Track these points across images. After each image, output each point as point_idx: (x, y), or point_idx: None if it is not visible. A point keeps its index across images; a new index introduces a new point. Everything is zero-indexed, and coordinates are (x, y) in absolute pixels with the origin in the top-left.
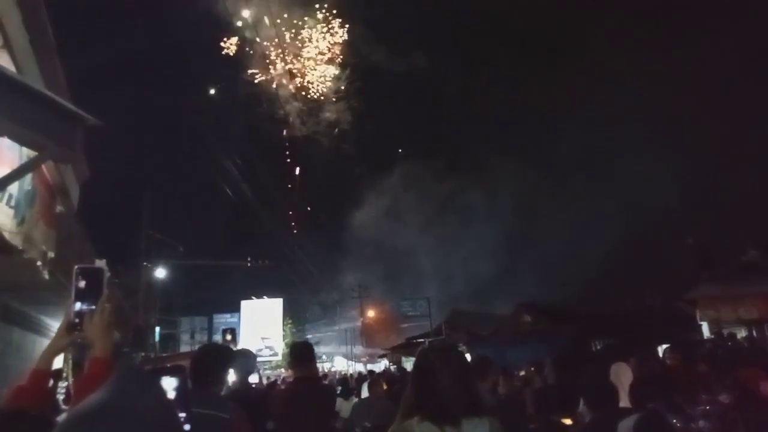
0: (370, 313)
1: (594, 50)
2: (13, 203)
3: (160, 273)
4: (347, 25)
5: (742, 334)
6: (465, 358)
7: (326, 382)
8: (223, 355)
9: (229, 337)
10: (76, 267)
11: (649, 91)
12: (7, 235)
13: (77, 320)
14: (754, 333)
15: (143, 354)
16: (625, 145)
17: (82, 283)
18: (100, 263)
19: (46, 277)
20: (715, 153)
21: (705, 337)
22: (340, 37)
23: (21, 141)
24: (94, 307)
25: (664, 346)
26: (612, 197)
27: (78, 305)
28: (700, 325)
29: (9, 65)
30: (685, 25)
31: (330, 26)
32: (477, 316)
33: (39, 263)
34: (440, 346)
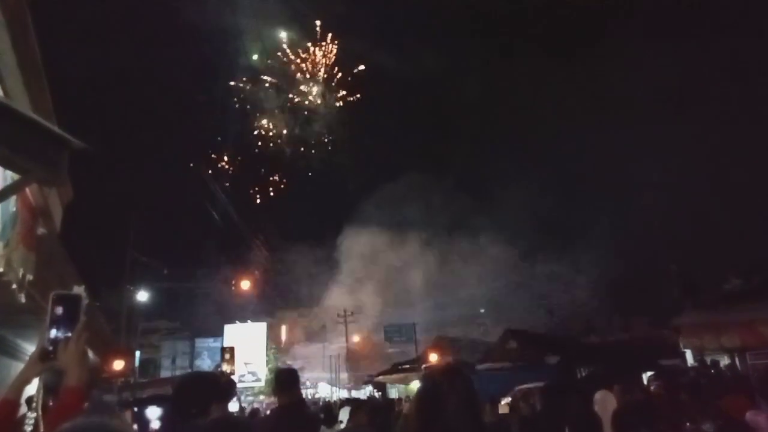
0: (356, 338)
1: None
2: None
3: (143, 296)
4: (339, 40)
5: (725, 361)
6: (471, 382)
7: (310, 408)
8: (208, 383)
9: (227, 356)
10: (52, 293)
11: (638, 117)
12: None
13: (51, 348)
14: (737, 361)
15: (122, 379)
16: (611, 173)
17: (59, 310)
18: (78, 290)
19: (23, 300)
20: (699, 182)
21: (689, 365)
22: (331, 53)
23: (5, 164)
24: (69, 334)
25: (649, 373)
26: (598, 226)
27: (53, 332)
28: (684, 353)
29: None
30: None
31: (324, 43)
32: (463, 342)
33: (14, 286)
34: (447, 369)
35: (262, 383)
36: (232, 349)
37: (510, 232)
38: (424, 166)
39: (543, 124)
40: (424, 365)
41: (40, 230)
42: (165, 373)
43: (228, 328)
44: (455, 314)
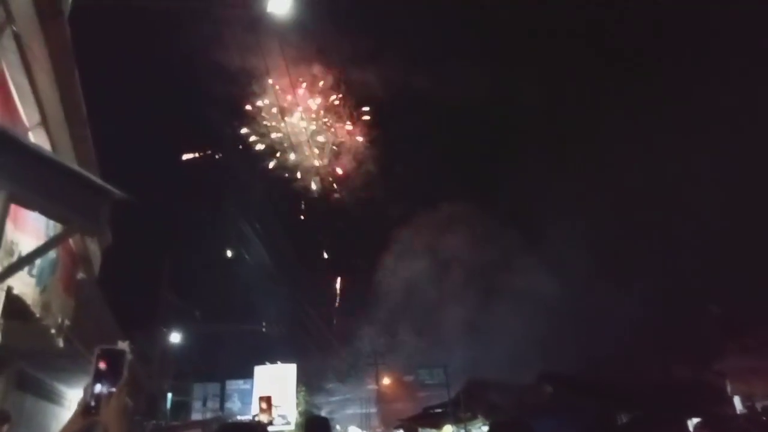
0: (386, 381)
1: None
2: (35, 272)
3: (175, 338)
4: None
5: None
6: None
7: None
8: None
9: (264, 405)
10: (97, 348)
11: (678, 149)
12: (30, 303)
13: (94, 403)
14: None
15: (154, 422)
16: (648, 208)
17: (103, 365)
18: (123, 345)
19: (61, 345)
20: (742, 216)
21: (738, 412)
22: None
23: (50, 215)
24: (113, 389)
25: (695, 420)
26: (637, 263)
27: (98, 387)
28: (732, 398)
29: (45, 141)
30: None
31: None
32: (496, 385)
33: (53, 331)
34: (510, 423)
35: (292, 426)
36: (269, 399)
37: (552, 270)
38: (465, 198)
39: (594, 153)
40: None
41: (80, 275)
42: (196, 416)
43: (258, 370)
44: (488, 356)
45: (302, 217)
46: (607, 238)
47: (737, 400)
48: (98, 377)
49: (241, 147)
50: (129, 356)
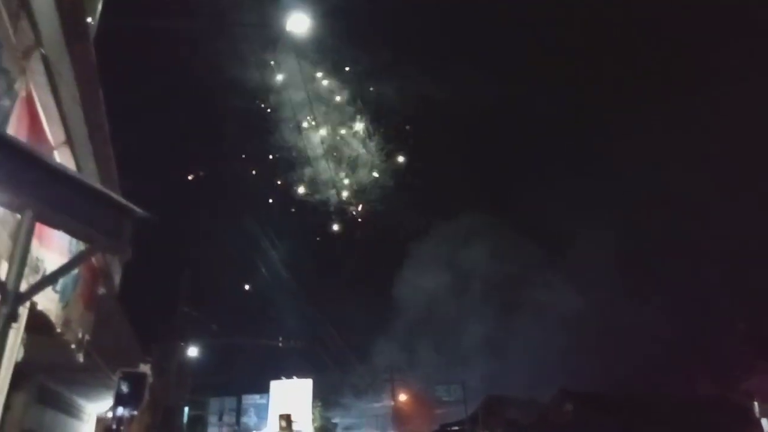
0: (402, 397)
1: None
2: (59, 288)
3: (192, 351)
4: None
5: None
6: None
7: None
8: None
9: (284, 423)
10: (119, 371)
11: (704, 160)
12: (53, 319)
13: (115, 426)
14: None
15: None
16: (672, 221)
17: (125, 388)
18: (144, 368)
19: (81, 360)
20: None
21: None
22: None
23: (74, 234)
24: (135, 412)
25: None
26: (660, 277)
27: (120, 410)
28: (759, 420)
29: (69, 159)
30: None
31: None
32: (515, 402)
33: (73, 346)
34: None
35: None
36: (288, 417)
37: (573, 284)
38: (484, 210)
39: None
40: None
41: (100, 290)
42: (212, 430)
43: (274, 385)
44: (508, 370)
45: (318, 236)
46: (630, 251)
47: (765, 423)
48: (120, 400)
49: (260, 162)
50: (150, 379)
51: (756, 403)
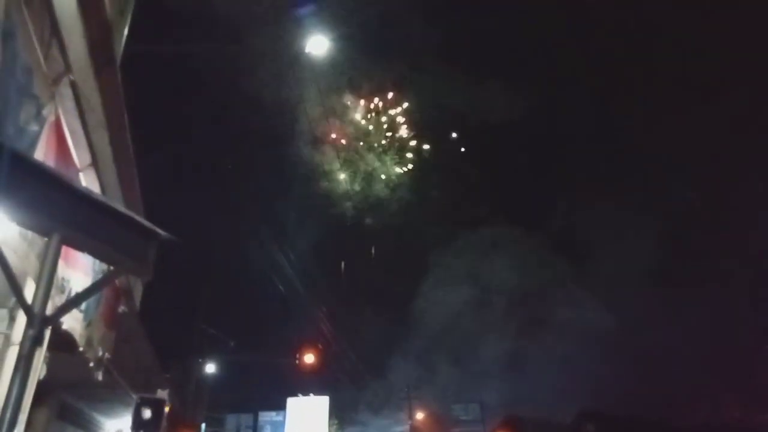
0: (419, 416)
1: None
2: (83, 307)
3: (210, 368)
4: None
5: None
6: None
7: None
8: None
9: None
10: (137, 397)
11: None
12: (77, 338)
13: None
14: None
15: None
16: (700, 237)
17: (144, 414)
18: (162, 394)
19: (100, 377)
20: None
21: None
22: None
23: (99, 257)
24: None
25: None
26: (687, 296)
27: None
28: None
29: (94, 182)
30: None
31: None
32: (534, 423)
33: (92, 364)
34: None
35: None
36: None
37: (598, 302)
38: (502, 223)
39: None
40: None
41: (122, 309)
42: None
43: (291, 402)
44: (528, 390)
45: (335, 251)
46: (657, 270)
47: None
48: (138, 425)
49: (278, 178)
50: (167, 406)
51: None
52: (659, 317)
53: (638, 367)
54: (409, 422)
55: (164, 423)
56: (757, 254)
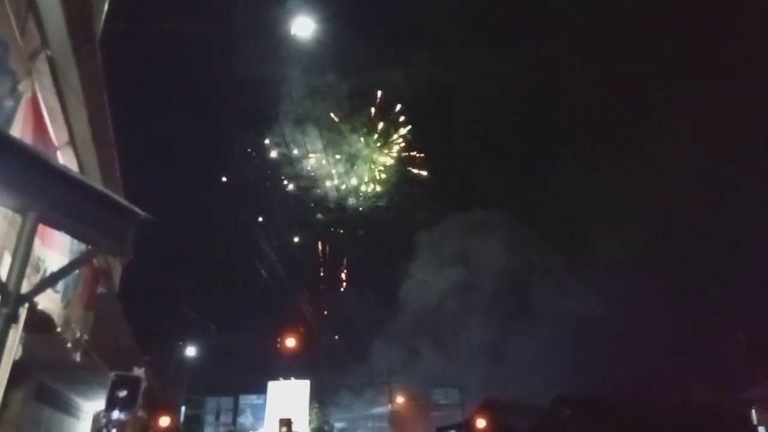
0: (400, 399)
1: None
2: (60, 287)
3: (190, 351)
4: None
5: None
6: None
7: None
8: None
9: (284, 429)
10: (113, 374)
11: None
12: (55, 318)
13: (106, 430)
14: None
15: None
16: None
17: (119, 392)
18: (138, 372)
19: (78, 358)
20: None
21: None
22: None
23: (76, 236)
24: (128, 417)
25: None
26: (662, 287)
27: (114, 413)
28: (757, 428)
29: (72, 160)
30: None
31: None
32: (512, 407)
33: (69, 345)
34: None
35: None
36: (289, 422)
37: (576, 289)
38: (489, 206)
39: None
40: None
41: (100, 290)
42: (208, 430)
43: (272, 385)
44: (503, 373)
45: (317, 235)
46: (632, 259)
47: (763, 431)
48: (113, 404)
49: (262, 162)
50: (144, 383)
51: (754, 412)
52: (635, 303)
53: (613, 352)
54: (390, 406)
55: (140, 401)
56: (732, 241)
